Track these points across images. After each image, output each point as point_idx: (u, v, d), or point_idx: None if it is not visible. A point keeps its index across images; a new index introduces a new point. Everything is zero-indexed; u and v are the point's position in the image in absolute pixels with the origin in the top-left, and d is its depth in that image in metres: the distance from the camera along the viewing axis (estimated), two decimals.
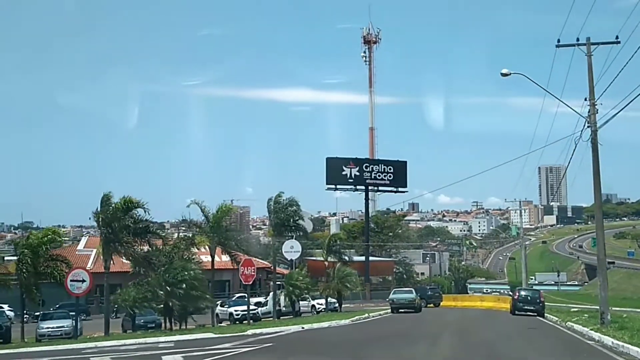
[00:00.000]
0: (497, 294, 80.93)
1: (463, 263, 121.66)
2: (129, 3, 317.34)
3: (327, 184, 70.91)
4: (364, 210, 78.23)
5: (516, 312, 37.41)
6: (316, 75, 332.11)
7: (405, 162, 74.33)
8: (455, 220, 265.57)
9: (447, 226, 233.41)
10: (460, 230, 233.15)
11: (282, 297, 43.29)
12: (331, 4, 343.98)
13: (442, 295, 56.27)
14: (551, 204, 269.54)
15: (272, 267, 68.51)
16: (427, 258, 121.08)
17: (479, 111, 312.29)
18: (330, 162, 70.45)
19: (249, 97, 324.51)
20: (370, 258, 72.65)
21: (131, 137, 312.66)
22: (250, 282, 30.44)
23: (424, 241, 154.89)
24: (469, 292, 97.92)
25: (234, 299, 56.44)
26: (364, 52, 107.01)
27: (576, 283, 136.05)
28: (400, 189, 73.88)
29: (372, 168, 72.34)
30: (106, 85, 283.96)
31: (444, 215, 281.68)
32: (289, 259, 71.92)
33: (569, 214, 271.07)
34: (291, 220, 39.57)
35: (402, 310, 40.84)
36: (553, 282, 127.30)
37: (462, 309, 52.24)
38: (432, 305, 53.45)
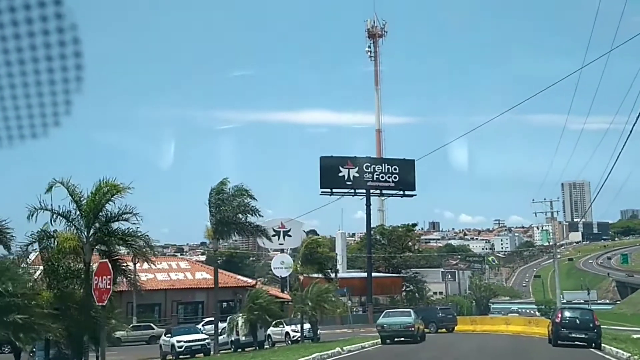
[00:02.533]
0: (515, 314, 68.47)
1: (485, 281, 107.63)
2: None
3: (321, 187, 58.05)
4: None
5: (559, 342, 24.95)
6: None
7: (413, 160, 60.31)
8: (476, 239, 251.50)
9: (468, 244, 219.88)
10: (482, 249, 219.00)
11: (240, 323, 31.30)
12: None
13: (456, 317, 43.43)
14: (576, 220, 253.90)
15: (253, 284, 57.14)
16: (447, 276, 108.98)
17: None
18: (324, 162, 57.81)
19: (273, 121, 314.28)
20: (375, 274, 60.05)
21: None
22: (104, 302, 17.26)
23: (444, 259, 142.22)
24: (491, 313, 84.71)
25: (201, 324, 45.12)
26: (369, 47, 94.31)
27: (607, 301, 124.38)
28: (407, 193, 60.83)
29: (374, 168, 59.07)
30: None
31: (465, 234, 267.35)
32: (279, 277, 60.34)
33: (595, 230, 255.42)
34: (239, 216, 27.59)
35: (396, 340, 28.55)
36: (582, 301, 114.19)
37: (483, 334, 39.49)
38: (444, 330, 40.92)
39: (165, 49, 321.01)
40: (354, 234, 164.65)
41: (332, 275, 44.05)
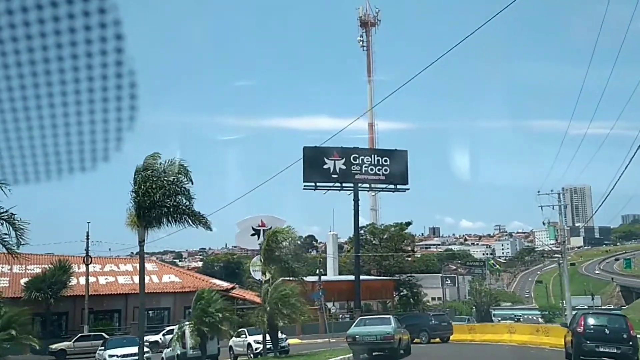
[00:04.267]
0: (511, 321, 61.97)
1: (486, 285, 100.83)
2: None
3: (304, 181, 50.51)
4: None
5: (582, 359, 18.59)
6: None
7: (405, 151, 53.62)
8: (477, 244, 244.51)
9: (469, 250, 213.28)
10: (483, 254, 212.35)
11: (187, 333, 24.95)
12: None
13: (451, 325, 36.75)
14: (577, 225, 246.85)
15: (228, 288, 50.51)
16: (447, 281, 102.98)
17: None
18: (308, 153, 50.46)
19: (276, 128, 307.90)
20: (364, 277, 53.34)
21: None
22: None
23: (444, 264, 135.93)
24: (493, 319, 78.20)
25: (161, 334, 39.27)
26: (361, 36, 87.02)
27: (612, 307, 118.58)
28: (399, 186, 53.34)
29: (363, 160, 51.56)
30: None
31: (465, 239, 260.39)
32: (258, 279, 53.74)
33: (596, 235, 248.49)
34: (171, 199, 21.24)
35: (374, 354, 22.20)
36: (586, 307, 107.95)
37: (483, 345, 33.00)
38: (437, 340, 34.49)
39: (165, 57, 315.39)
40: (350, 239, 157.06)
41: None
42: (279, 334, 28.63)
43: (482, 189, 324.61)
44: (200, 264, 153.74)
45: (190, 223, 22.02)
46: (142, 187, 20.76)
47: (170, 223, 21.64)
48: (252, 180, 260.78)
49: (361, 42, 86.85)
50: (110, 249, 62.24)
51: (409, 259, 64.74)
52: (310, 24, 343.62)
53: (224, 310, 24.76)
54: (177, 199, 21.50)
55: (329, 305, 49.26)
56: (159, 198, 20.93)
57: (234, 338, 30.94)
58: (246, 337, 30.06)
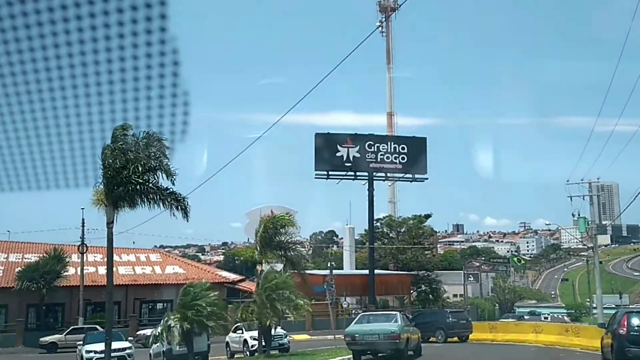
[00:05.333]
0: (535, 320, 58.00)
1: (510, 282, 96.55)
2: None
3: (315, 169, 47.38)
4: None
5: None
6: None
7: (425, 138, 49.60)
8: (501, 241, 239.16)
9: (493, 247, 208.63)
10: (507, 251, 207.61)
11: (174, 327, 22.10)
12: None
13: (470, 323, 33.23)
14: (604, 222, 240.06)
15: (234, 280, 47.53)
16: (469, 278, 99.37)
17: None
18: (319, 140, 47.04)
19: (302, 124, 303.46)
20: (379, 272, 49.97)
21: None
22: None
23: (467, 261, 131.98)
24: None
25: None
26: (380, 22, 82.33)
27: None
28: (417, 176, 49.49)
29: (378, 147, 47.70)
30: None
31: (490, 237, 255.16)
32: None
33: (624, 233, 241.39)
34: (147, 176, 18.33)
35: (379, 355, 19.03)
36: (614, 305, 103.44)
37: (505, 345, 29.58)
38: (455, 338, 31.17)
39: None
40: (366, 232, 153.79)
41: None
42: (277, 330, 25.73)
43: (506, 185, 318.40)
44: (222, 257, 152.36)
45: (166, 205, 19.10)
46: (111, 160, 17.90)
47: (144, 203, 18.75)
48: (278, 176, 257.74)
49: (381, 28, 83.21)
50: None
51: (428, 252, 61.01)
52: (331, 19, 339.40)
53: (213, 305, 21.89)
54: (152, 177, 18.60)
55: (342, 299, 46.26)
56: (130, 174, 18.03)
57: (230, 334, 28.10)
58: (242, 332, 27.17)
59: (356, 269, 60.23)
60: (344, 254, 67.77)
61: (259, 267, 25.84)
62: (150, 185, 18.42)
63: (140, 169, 18.12)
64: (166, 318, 22.92)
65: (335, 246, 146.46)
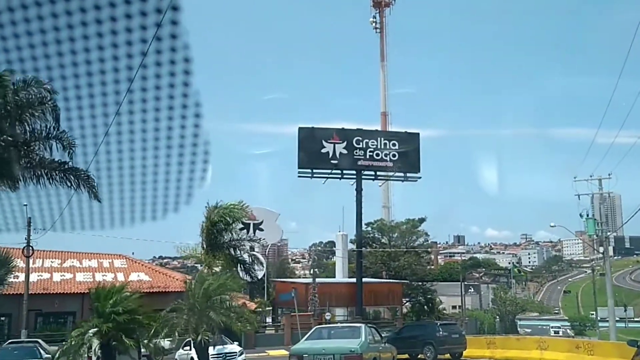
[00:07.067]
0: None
1: (511, 294, 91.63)
2: None
3: (299, 167, 42.66)
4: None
5: None
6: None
7: (418, 134, 44.87)
8: (503, 253, 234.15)
9: (494, 258, 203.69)
10: (509, 262, 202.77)
11: (93, 341, 17.41)
12: None
13: (464, 337, 28.30)
14: (607, 234, 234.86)
15: None
16: (470, 289, 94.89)
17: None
18: (303, 135, 42.59)
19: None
20: (367, 280, 45.04)
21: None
22: None
23: (467, 272, 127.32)
24: (519, 331, 69.41)
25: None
26: (374, 17, 78.12)
27: None
28: (409, 176, 44.71)
29: (367, 143, 42.84)
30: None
31: (491, 248, 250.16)
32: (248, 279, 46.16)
33: (627, 244, 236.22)
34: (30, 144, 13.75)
35: None
36: (618, 318, 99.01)
37: None
38: (447, 355, 26.32)
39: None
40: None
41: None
42: (231, 346, 21.00)
43: (508, 198, 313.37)
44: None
45: (69, 184, 14.49)
46: None
47: (28, 177, 14.13)
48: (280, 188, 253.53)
49: (374, 24, 78.44)
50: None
51: (423, 259, 56.03)
52: (327, 30, 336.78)
53: (135, 313, 17.26)
54: (38, 146, 13.99)
55: (326, 310, 41.41)
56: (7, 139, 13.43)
57: (180, 350, 23.48)
58: (190, 349, 22.44)
59: (349, 277, 55.52)
60: (336, 262, 63.15)
61: (204, 270, 21.12)
62: (36, 154, 13.82)
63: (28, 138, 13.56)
64: (80, 331, 18.16)
65: (333, 257, 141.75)
